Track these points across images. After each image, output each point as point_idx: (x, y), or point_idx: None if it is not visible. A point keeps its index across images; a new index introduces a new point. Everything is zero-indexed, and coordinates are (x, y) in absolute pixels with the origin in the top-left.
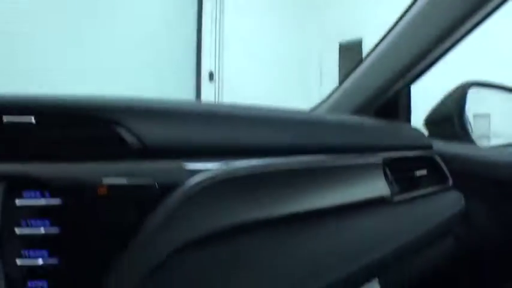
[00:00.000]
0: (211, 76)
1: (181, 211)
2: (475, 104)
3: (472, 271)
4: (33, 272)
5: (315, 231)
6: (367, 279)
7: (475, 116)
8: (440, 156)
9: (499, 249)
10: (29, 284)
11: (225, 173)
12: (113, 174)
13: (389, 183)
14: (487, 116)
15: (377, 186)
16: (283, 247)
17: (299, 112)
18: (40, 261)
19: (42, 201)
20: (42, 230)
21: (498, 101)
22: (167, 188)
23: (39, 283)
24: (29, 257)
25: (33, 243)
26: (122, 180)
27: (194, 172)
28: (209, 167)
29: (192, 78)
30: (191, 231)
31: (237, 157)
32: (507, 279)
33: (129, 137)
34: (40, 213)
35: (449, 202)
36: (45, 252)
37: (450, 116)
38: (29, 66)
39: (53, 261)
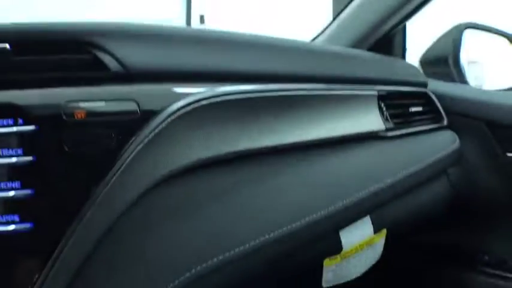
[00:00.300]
0: (202, 19)
1: (164, 138)
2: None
3: (464, 216)
4: (5, 204)
5: (307, 163)
6: (359, 216)
7: (469, 62)
8: (435, 95)
9: (490, 193)
10: (0, 218)
11: (212, 97)
12: (91, 99)
13: (384, 118)
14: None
15: (371, 120)
16: (272, 179)
17: (292, 40)
18: (12, 193)
19: (14, 129)
20: (14, 160)
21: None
22: (149, 113)
23: (11, 217)
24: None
25: (4, 173)
26: (101, 105)
27: (178, 96)
28: (194, 92)
29: (183, 22)
30: (174, 161)
31: (225, 82)
32: (498, 225)
33: (109, 61)
34: (12, 141)
35: (444, 141)
36: (17, 184)
37: (445, 57)
38: None
39: (26, 192)
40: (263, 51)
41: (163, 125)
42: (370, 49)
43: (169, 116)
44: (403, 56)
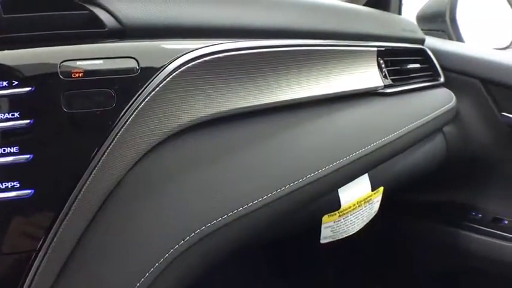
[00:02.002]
0: None
1: (165, 96)
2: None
3: (458, 174)
4: (4, 171)
5: (307, 121)
6: (358, 174)
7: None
8: (432, 52)
9: (484, 152)
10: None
11: (213, 54)
12: (88, 58)
13: (383, 75)
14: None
15: (370, 77)
16: (273, 138)
17: None
18: (10, 159)
19: (9, 91)
20: (10, 124)
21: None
22: (150, 71)
23: (11, 183)
24: None
25: (1, 138)
26: (99, 63)
27: (179, 52)
28: (195, 47)
29: None
30: (176, 119)
31: (226, 38)
32: (492, 184)
33: (105, 17)
34: (8, 104)
35: (441, 99)
36: (15, 148)
37: (442, 13)
38: None
39: (25, 157)
40: (262, 7)
41: (165, 82)
42: (366, 4)
43: (170, 73)
44: (399, 12)
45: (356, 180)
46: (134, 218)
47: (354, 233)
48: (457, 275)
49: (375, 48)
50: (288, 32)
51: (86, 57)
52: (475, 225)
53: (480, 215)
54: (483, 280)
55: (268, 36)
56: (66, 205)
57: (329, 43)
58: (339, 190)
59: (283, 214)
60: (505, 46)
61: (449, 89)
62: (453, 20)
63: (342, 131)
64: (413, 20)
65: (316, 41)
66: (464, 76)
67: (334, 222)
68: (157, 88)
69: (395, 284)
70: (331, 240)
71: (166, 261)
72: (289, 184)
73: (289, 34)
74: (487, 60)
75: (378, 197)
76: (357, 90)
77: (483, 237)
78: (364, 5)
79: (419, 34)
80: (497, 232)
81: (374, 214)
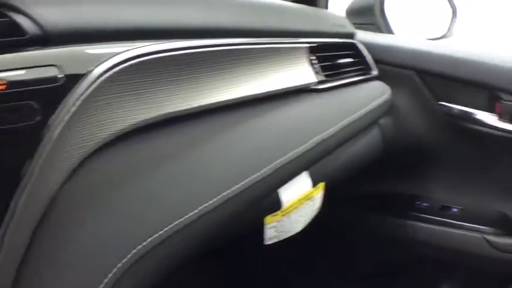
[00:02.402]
0: None
1: (92, 104)
2: None
3: (400, 164)
4: None
5: (242, 123)
6: (298, 172)
7: None
8: (364, 46)
9: (424, 142)
10: None
11: (141, 56)
12: (10, 68)
13: (315, 71)
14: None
15: (303, 74)
16: (208, 142)
17: None
18: None
19: None
20: None
21: None
22: (74, 78)
23: None
24: None
25: None
26: (21, 73)
27: (104, 57)
28: (121, 51)
29: None
30: (105, 128)
31: (153, 40)
32: (434, 172)
33: (25, 23)
34: None
35: (375, 92)
36: None
37: (371, 7)
38: None
39: None
40: (189, 6)
41: (91, 90)
42: (294, 0)
43: (95, 79)
44: (326, 7)
45: (296, 178)
46: (69, 237)
47: (302, 231)
48: (407, 264)
49: (306, 45)
50: (218, 31)
51: (8, 68)
52: (422, 215)
53: (426, 204)
54: (434, 269)
55: (198, 36)
56: (3, 226)
57: (260, 41)
58: (280, 189)
59: (228, 218)
60: (440, 36)
61: (384, 82)
62: (382, 12)
63: (278, 130)
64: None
65: (247, 40)
66: (398, 68)
67: (278, 222)
68: (83, 96)
69: (347, 277)
70: (276, 240)
71: (116, 275)
72: (230, 188)
73: (219, 33)
74: (421, 51)
75: (319, 193)
76: (291, 87)
77: (431, 226)
78: (292, 1)
79: (350, 28)
80: (446, 220)
81: (317, 210)
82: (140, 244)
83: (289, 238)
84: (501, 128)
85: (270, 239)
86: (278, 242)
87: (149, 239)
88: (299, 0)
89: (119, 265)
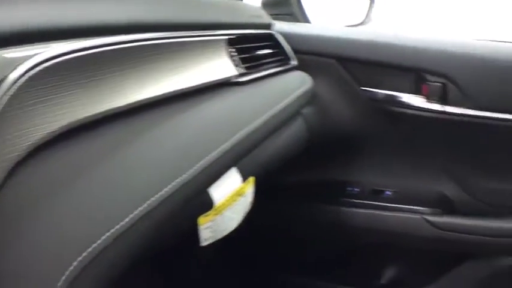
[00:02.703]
0: None
1: (8, 113)
2: None
3: (328, 152)
4: None
5: (163, 121)
6: (226, 169)
7: None
8: (282, 36)
9: (349, 128)
10: None
11: (52, 59)
12: None
13: (235, 64)
14: None
15: (222, 67)
16: (130, 145)
17: None
18: None
19: None
20: None
21: None
22: None
23: None
24: None
25: None
26: None
27: (13, 62)
28: (32, 54)
29: None
30: (25, 137)
31: (66, 39)
32: (363, 158)
33: None
34: None
35: (296, 82)
36: None
37: None
38: None
39: None
40: (102, 2)
41: (7, 97)
42: None
43: (9, 87)
44: None
45: (225, 174)
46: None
47: (238, 228)
48: (350, 251)
49: (224, 37)
50: (133, 27)
51: None
52: (355, 200)
53: (357, 189)
54: (378, 253)
55: (113, 33)
56: None
57: (176, 35)
58: (210, 188)
59: (160, 224)
60: (358, 22)
61: (305, 71)
62: (299, 2)
63: (202, 127)
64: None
65: (163, 34)
66: (318, 57)
67: (212, 221)
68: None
69: (289, 270)
70: (212, 240)
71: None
72: (158, 193)
73: (135, 29)
74: (341, 38)
75: (250, 188)
76: (211, 82)
77: (364, 211)
78: None
79: (267, 19)
80: (379, 204)
81: (250, 205)
82: (75, 261)
83: (225, 237)
84: (429, 109)
85: (206, 240)
86: (215, 242)
87: (79, 258)
88: None
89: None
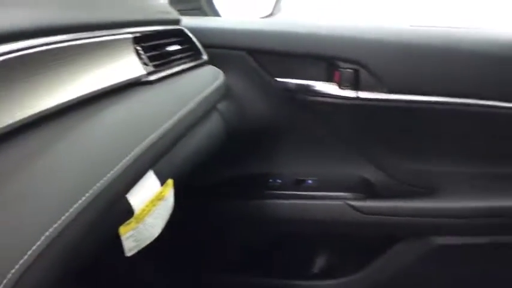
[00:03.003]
0: None
1: None
2: None
3: (247, 146)
4: None
5: (72, 128)
6: (142, 173)
7: None
8: (191, 31)
9: (265, 120)
10: None
11: None
12: None
13: (143, 62)
14: None
15: (130, 67)
16: (39, 157)
17: None
18: None
19: None
20: None
21: None
22: None
23: None
24: None
25: None
26: None
27: None
28: None
29: None
30: None
31: None
32: (282, 149)
33: None
34: None
35: (208, 77)
36: None
37: None
38: None
39: None
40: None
41: None
42: None
43: None
44: None
45: (142, 179)
46: None
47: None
48: (278, 244)
49: (130, 35)
50: (30, 32)
51: None
52: (277, 192)
53: (279, 181)
54: (302, 242)
55: (9, 40)
56: None
57: (79, 37)
58: (128, 195)
59: (80, 238)
60: (267, 14)
61: (217, 66)
62: None
63: (113, 131)
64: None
65: (64, 37)
66: (228, 50)
67: (134, 230)
68: None
69: (218, 268)
70: (137, 249)
71: None
72: (72, 206)
73: (32, 34)
74: (250, 31)
75: (170, 191)
76: (119, 83)
77: (288, 201)
78: None
79: (174, 15)
80: (302, 193)
81: (171, 209)
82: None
83: (152, 243)
84: (342, 96)
85: (130, 250)
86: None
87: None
88: None
89: None
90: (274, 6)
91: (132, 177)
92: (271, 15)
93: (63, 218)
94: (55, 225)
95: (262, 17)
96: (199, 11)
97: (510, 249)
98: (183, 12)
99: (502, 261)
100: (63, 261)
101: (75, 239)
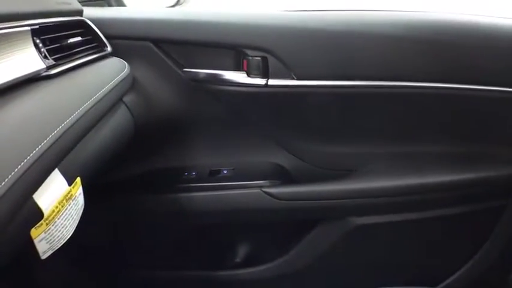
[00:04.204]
0: None
1: None
2: None
3: (157, 140)
4: None
5: None
6: (48, 173)
7: None
8: (94, 23)
9: (176, 112)
10: None
11: None
12: None
13: (42, 56)
14: None
15: (28, 61)
16: None
17: None
18: None
19: None
20: None
21: None
22: None
23: None
24: None
25: None
26: None
27: None
28: None
29: None
30: None
31: None
32: (197, 140)
33: None
34: None
35: (113, 69)
36: None
37: None
38: None
39: None
40: None
41: None
42: None
43: None
44: None
45: (48, 179)
46: None
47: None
48: (197, 237)
49: (28, 28)
50: None
51: None
52: (193, 185)
53: (194, 173)
54: (222, 233)
55: None
56: None
57: None
58: (34, 196)
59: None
60: (173, 3)
61: (121, 57)
62: None
63: (13, 130)
64: None
65: None
66: (133, 41)
67: (45, 232)
68: None
69: (136, 265)
70: (52, 251)
71: None
72: None
73: None
74: (155, 20)
75: (78, 190)
76: (16, 79)
77: (204, 193)
78: None
79: (76, 5)
80: (218, 184)
81: (82, 208)
82: None
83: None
84: (251, 84)
85: (45, 252)
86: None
87: None
88: None
89: None
90: None
91: (36, 177)
92: (177, 4)
93: None
94: None
95: (168, 7)
96: (104, 1)
97: (423, 224)
98: (87, 2)
99: (417, 236)
100: None
101: None
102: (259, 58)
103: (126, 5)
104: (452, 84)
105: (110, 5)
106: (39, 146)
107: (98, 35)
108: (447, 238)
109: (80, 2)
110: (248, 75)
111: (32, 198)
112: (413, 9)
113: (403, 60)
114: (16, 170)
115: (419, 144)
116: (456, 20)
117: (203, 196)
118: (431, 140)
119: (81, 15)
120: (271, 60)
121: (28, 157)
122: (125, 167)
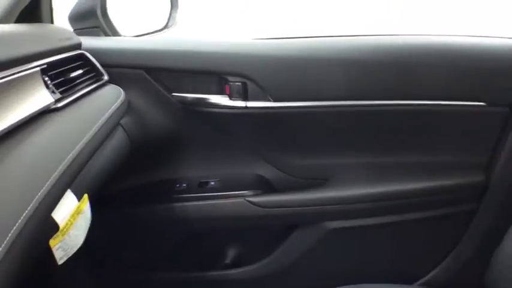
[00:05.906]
0: None
1: None
2: None
3: (151, 156)
4: None
5: None
6: (62, 193)
7: None
8: (91, 53)
9: (168, 133)
10: None
11: None
12: None
13: (51, 91)
14: None
15: (39, 97)
16: None
17: None
18: None
19: None
20: None
21: None
22: None
23: None
24: None
25: None
26: None
27: None
28: None
29: None
30: None
31: None
32: (185, 155)
33: None
34: None
35: (110, 96)
36: None
37: (93, 10)
38: None
39: None
40: None
41: None
42: (18, 19)
43: None
44: (52, 20)
45: (62, 198)
46: None
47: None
48: (189, 246)
49: (38, 68)
50: None
51: None
52: (184, 195)
53: (185, 185)
54: (212, 239)
55: None
56: None
57: None
58: (52, 214)
59: (19, 258)
60: (161, 28)
61: (117, 84)
62: (105, 14)
63: (30, 161)
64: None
65: None
66: (127, 69)
67: (61, 242)
68: None
69: (139, 268)
70: (66, 257)
71: None
72: (10, 231)
73: None
74: (146, 50)
75: (86, 205)
76: (31, 114)
77: (194, 203)
78: (16, 20)
79: (76, 39)
80: (206, 194)
81: (90, 220)
82: None
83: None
84: (233, 106)
85: (61, 258)
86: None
87: None
88: (22, 17)
89: None
90: (168, 20)
91: (54, 199)
92: (165, 28)
93: (2, 245)
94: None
95: (158, 30)
96: (99, 29)
97: (390, 228)
98: (83, 30)
99: (388, 238)
100: (11, 277)
101: (15, 258)
102: (239, 83)
103: (119, 32)
104: (410, 101)
105: (104, 32)
106: (56, 172)
107: (96, 66)
108: (419, 240)
109: (75, 30)
110: (230, 98)
111: (51, 215)
112: (378, 33)
113: (366, 81)
114: (39, 193)
115: (387, 156)
116: (412, 42)
117: (193, 205)
118: (399, 151)
119: (80, 48)
120: (249, 84)
121: (48, 182)
122: (122, 181)
